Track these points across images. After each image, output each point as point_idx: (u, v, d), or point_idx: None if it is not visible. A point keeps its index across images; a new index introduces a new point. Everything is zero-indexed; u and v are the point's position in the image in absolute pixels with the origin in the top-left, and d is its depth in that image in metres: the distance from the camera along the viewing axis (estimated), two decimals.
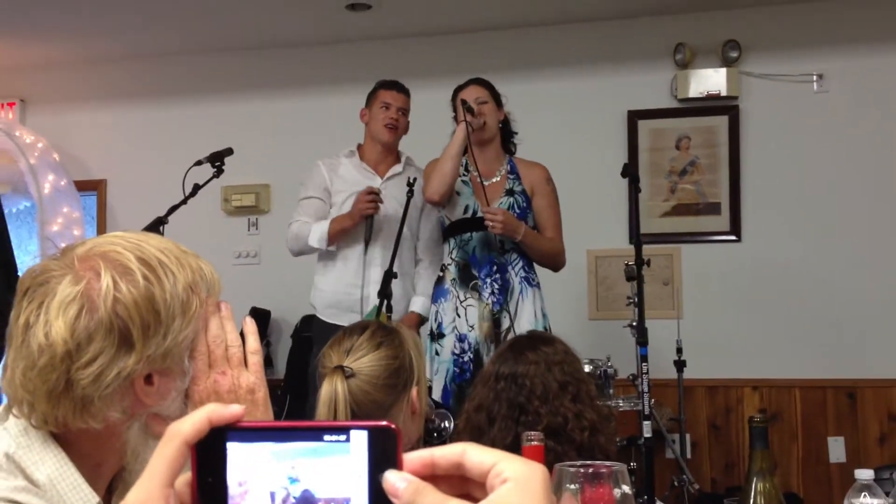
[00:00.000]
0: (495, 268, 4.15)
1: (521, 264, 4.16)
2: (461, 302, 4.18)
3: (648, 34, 5.76)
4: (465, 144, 4.17)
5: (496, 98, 4.31)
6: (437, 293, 4.28)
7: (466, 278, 4.19)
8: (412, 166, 4.71)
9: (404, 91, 4.62)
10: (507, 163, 4.30)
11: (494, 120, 4.27)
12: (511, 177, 4.25)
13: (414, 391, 2.22)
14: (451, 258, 4.26)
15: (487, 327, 4.10)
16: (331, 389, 2.09)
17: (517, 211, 4.18)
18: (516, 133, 4.43)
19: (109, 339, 1.21)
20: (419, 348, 2.29)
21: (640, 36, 5.78)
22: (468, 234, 4.21)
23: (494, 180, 4.25)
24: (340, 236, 4.43)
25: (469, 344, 4.11)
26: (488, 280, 4.15)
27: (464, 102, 4.18)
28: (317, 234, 4.45)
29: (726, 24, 5.65)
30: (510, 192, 4.22)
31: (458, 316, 4.16)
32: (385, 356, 2.17)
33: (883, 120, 5.45)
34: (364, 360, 2.15)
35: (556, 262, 4.31)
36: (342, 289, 4.55)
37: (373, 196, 4.33)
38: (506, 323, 4.09)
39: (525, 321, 4.09)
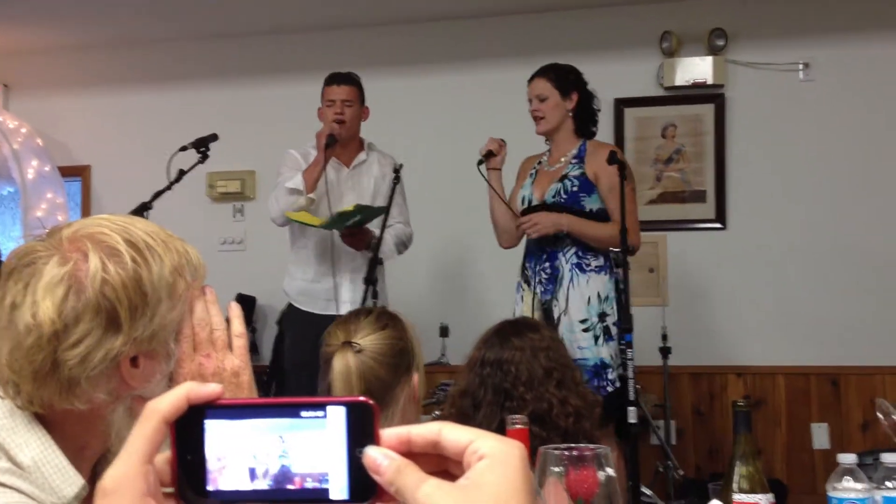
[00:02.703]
0: (545, 256, 4.12)
1: (573, 250, 4.07)
2: (522, 294, 4.20)
3: (635, 22, 5.76)
4: (499, 191, 4.27)
5: (562, 87, 4.21)
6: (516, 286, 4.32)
7: (523, 269, 4.23)
8: (375, 151, 4.78)
9: (347, 81, 4.63)
10: (579, 147, 4.21)
11: (556, 115, 4.19)
12: (574, 162, 4.16)
13: (415, 377, 2.25)
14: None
15: (538, 318, 4.06)
16: (344, 364, 2.13)
17: (563, 197, 4.11)
18: (598, 110, 4.32)
19: (97, 321, 1.21)
20: (418, 338, 2.31)
21: (626, 24, 5.78)
22: None
23: (558, 166, 4.21)
24: (316, 179, 4.47)
25: None
26: (537, 269, 4.14)
27: (481, 162, 4.24)
28: (293, 180, 4.50)
29: (713, 12, 5.66)
30: (563, 178, 4.14)
31: (521, 311, 4.17)
32: (389, 336, 2.21)
33: (868, 109, 5.47)
34: (370, 338, 2.18)
35: (617, 246, 4.08)
36: (312, 276, 4.62)
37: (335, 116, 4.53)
38: (556, 312, 4.04)
39: (575, 308, 4.00)
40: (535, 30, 5.90)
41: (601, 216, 4.10)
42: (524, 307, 4.16)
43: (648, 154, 5.75)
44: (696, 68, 5.64)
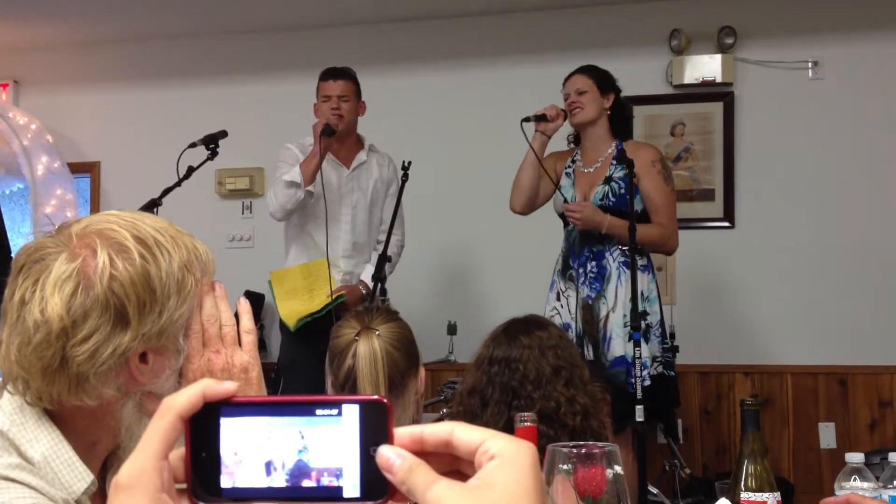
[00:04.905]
0: (591, 256, 4.11)
1: (619, 249, 4.07)
2: (562, 292, 4.18)
3: (644, 20, 5.75)
4: (539, 153, 4.21)
5: (601, 85, 4.23)
6: (550, 283, 4.30)
7: (566, 269, 4.20)
8: (376, 153, 4.76)
9: (343, 76, 4.61)
10: (615, 147, 4.18)
11: (594, 108, 4.20)
12: (614, 162, 4.14)
13: (422, 371, 2.32)
14: (561, 248, 4.28)
15: (582, 317, 4.07)
16: (369, 347, 2.19)
17: (612, 199, 4.09)
18: (631, 118, 4.35)
19: (105, 317, 1.21)
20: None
21: (635, 22, 5.77)
22: (571, 224, 4.18)
23: (595, 167, 4.20)
24: (314, 171, 4.43)
25: (573, 334, 4.08)
26: (581, 270, 4.12)
27: (528, 119, 4.20)
28: (291, 173, 4.46)
29: (722, 10, 5.65)
30: (608, 180, 4.13)
31: (562, 306, 4.15)
32: (401, 327, 2.30)
33: (877, 107, 5.46)
34: (385, 327, 2.26)
35: (660, 248, 4.23)
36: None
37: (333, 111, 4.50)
38: (603, 310, 4.04)
39: (621, 305, 4.01)
40: (542, 27, 5.89)
41: (644, 216, 4.11)
42: (575, 307, 4.13)
43: None
44: (705, 66, 5.63)
